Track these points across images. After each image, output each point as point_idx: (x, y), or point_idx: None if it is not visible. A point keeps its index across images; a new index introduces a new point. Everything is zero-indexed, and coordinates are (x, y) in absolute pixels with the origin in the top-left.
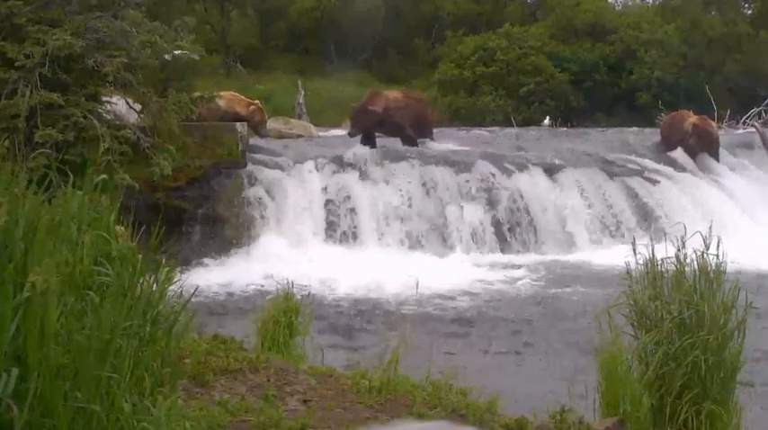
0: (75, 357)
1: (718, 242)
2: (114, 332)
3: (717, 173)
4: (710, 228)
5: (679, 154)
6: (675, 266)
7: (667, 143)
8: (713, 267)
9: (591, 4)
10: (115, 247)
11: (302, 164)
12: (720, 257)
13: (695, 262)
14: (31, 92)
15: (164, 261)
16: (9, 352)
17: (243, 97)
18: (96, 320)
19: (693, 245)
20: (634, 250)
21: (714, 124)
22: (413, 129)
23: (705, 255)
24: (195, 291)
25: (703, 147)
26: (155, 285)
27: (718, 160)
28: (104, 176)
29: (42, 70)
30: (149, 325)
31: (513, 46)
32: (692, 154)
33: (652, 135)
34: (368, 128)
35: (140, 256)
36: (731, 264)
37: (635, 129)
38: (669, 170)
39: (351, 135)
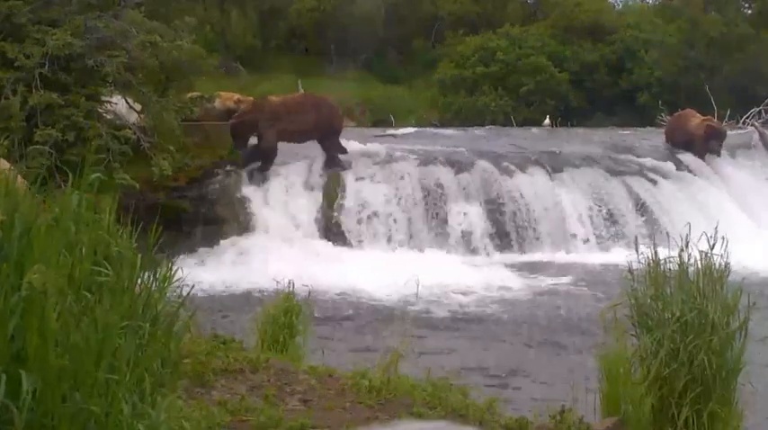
0: (73, 358)
1: (723, 243)
2: (112, 332)
3: (720, 174)
4: (716, 229)
5: (686, 154)
6: (679, 266)
7: (671, 143)
8: (716, 268)
9: (591, 4)
10: (114, 247)
11: (301, 163)
12: (724, 258)
13: (698, 262)
14: (31, 92)
15: (163, 260)
16: (8, 352)
17: (241, 95)
18: (93, 321)
19: (696, 245)
20: (636, 250)
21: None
22: (318, 134)
23: (708, 255)
24: (191, 288)
25: (712, 145)
26: (154, 285)
27: (719, 155)
28: (98, 175)
29: (42, 70)
30: (149, 324)
31: (513, 46)
32: (700, 154)
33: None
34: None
35: (140, 256)
36: (733, 266)
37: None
38: (672, 170)
39: (244, 166)
